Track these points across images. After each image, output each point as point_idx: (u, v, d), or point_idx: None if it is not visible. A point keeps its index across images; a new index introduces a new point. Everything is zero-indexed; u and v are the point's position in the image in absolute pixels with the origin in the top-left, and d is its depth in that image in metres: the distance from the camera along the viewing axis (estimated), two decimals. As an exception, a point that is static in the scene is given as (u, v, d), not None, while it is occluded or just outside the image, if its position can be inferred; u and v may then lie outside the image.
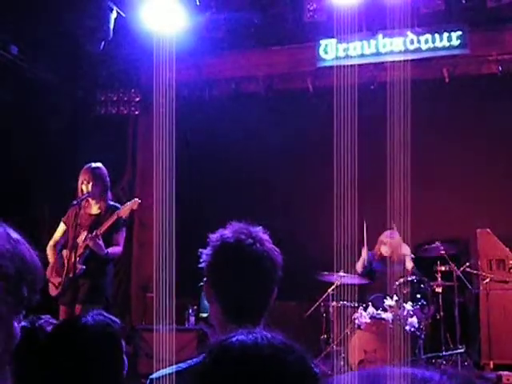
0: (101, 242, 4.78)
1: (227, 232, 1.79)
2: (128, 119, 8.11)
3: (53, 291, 4.89)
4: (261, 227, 1.81)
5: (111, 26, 6.87)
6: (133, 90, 8.02)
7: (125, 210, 4.90)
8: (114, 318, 2.04)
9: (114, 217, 4.85)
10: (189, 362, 1.69)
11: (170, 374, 1.71)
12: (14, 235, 1.16)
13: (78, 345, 1.85)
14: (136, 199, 4.96)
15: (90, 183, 4.96)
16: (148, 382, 1.73)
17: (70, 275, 4.75)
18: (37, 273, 1.19)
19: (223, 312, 1.78)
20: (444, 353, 5.89)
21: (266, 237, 1.80)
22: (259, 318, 1.75)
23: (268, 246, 1.78)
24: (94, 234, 4.81)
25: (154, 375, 1.73)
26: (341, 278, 5.98)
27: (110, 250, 4.88)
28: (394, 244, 6.30)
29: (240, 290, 1.75)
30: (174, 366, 1.72)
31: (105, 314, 2.04)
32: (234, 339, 1.14)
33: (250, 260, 1.75)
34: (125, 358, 2.02)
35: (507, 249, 6.25)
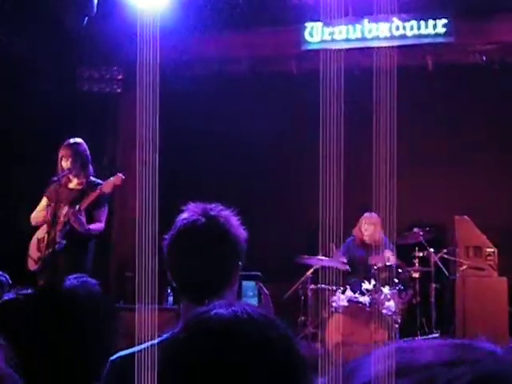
0: (82, 218, 4.74)
1: (184, 214, 1.78)
2: (110, 97, 8.01)
3: (31, 266, 4.85)
4: (221, 205, 1.80)
5: (95, 1, 6.77)
6: (115, 68, 7.92)
7: (108, 185, 4.85)
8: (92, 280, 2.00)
9: (97, 192, 4.81)
10: (152, 341, 1.66)
11: (131, 353, 1.69)
12: None
13: (67, 304, 1.81)
14: (119, 174, 4.91)
15: (70, 159, 4.92)
16: (108, 364, 1.70)
17: (50, 250, 4.71)
18: None
19: (181, 293, 1.79)
20: (419, 337, 5.98)
21: (226, 214, 1.78)
22: (219, 296, 1.71)
23: (224, 223, 1.75)
24: (75, 208, 4.76)
25: (115, 356, 1.71)
26: (320, 261, 6.01)
27: (92, 226, 4.84)
28: (372, 222, 6.35)
29: (191, 269, 1.73)
30: (137, 347, 1.70)
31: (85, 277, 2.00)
32: (211, 313, 1.10)
33: (201, 238, 1.73)
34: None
35: (484, 236, 6.33)
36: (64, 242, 4.78)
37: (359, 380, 0.49)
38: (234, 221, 1.79)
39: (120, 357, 1.72)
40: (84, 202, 4.79)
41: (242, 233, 1.79)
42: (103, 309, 1.87)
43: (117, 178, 4.89)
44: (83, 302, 1.80)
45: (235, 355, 1.05)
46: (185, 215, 1.78)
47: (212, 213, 1.77)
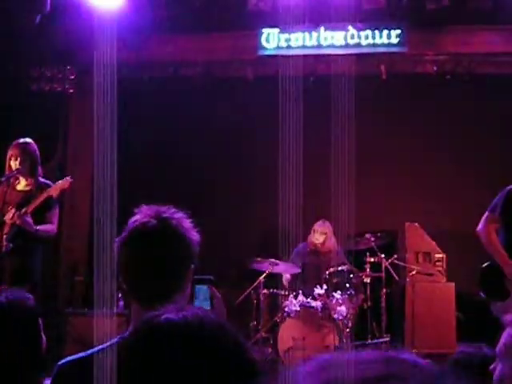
0: (29, 219, 4.62)
1: (136, 216, 1.74)
2: (61, 97, 7.85)
3: (-23, 269, 4.70)
4: (174, 208, 1.76)
5: (48, -1, 6.63)
6: (68, 68, 7.77)
7: (55, 189, 4.74)
8: (27, 294, 2.04)
9: (44, 195, 4.69)
10: (102, 345, 1.64)
11: (78, 358, 1.66)
12: None
13: None
14: (67, 178, 4.82)
15: (19, 159, 4.79)
16: (56, 369, 1.67)
17: (-4, 253, 4.58)
18: None
19: (131, 296, 1.74)
20: (370, 341, 6.05)
21: (178, 216, 1.74)
22: (171, 300, 1.64)
23: (176, 225, 1.71)
24: (22, 211, 4.64)
25: (62, 361, 1.68)
26: (273, 265, 6.03)
27: (41, 227, 4.72)
28: (324, 231, 6.42)
29: (141, 273, 1.69)
30: (85, 352, 1.68)
31: (17, 292, 2.04)
32: (161, 317, 1.08)
33: (152, 241, 1.69)
34: (42, 334, 2.00)
35: (434, 242, 6.47)
36: (10, 245, 4.66)
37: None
38: (187, 223, 1.75)
39: (68, 361, 1.69)
40: (31, 205, 4.68)
41: (194, 236, 1.75)
42: (31, 329, 1.92)
43: (65, 182, 4.79)
44: (11, 323, 1.86)
45: (185, 360, 1.03)
46: (137, 217, 1.74)
47: (164, 215, 1.73)
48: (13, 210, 4.72)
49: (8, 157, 4.83)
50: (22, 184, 4.89)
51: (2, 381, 1.74)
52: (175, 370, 1.03)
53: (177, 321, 1.07)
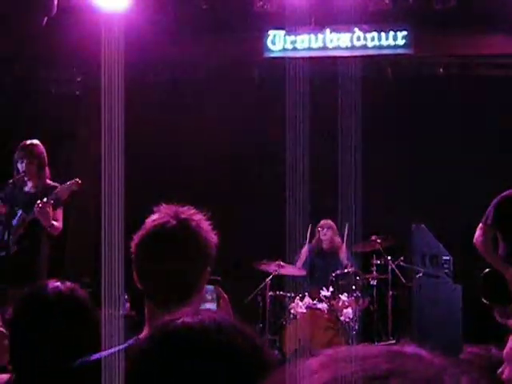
0: (50, 211, 4.58)
1: (155, 215, 1.73)
2: (68, 98, 7.88)
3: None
4: (194, 209, 1.74)
5: (55, 1, 6.65)
6: (74, 69, 7.80)
7: (64, 190, 4.72)
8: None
9: (53, 196, 4.68)
10: (118, 347, 1.62)
11: (93, 360, 1.66)
12: None
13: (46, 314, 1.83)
14: (77, 179, 4.78)
15: (26, 161, 4.79)
16: (69, 371, 1.67)
17: (3, 254, 4.58)
18: None
19: (147, 296, 1.72)
20: (376, 343, 6.04)
21: (198, 217, 1.72)
22: (187, 301, 1.66)
23: (195, 227, 1.69)
24: (43, 200, 4.58)
25: (76, 363, 1.67)
26: (279, 268, 6.03)
27: (54, 223, 4.69)
28: (330, 226, 6.42)
29: (159, 273, 1.68)
30: (100, 353, 1.67)
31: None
32: (178, 321, 1.08)
33: (171, 241, 1.67)
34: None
35: (440, 244, 6.45)
36: (16, 246, 4.66)
37: None
38: (206, 225, 1.73)
39: (80, 362, 1.69)
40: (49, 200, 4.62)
41: (212, 238, 1.73)
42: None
43: (74, 183, 4.75)
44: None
45: (203, 364, 1.03)
46: (155, 216, 1.72)
47: (183, 216, 1.71)
48: (20, 211, 4.73)
49: (15, 159, 4.83)
50: (28, 185, 4.90)
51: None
52: (193, 374, 1.03)
53: (194, 325, 1.07)
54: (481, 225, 4.54)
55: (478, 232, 4.56)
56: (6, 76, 7.52)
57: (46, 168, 4.96)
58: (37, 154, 4.87)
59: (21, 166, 4.80)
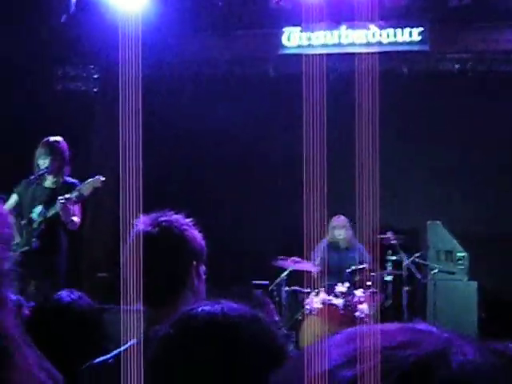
0: (71, 207, 4.65)
1: (135, 226, 1.87)
2: (86, 95, 7.95)
3: (3, 265, 4.77)
4: (180, 215, 1.87)
5: (73, -1, 6.74)
6: (92, 66, 7.87)
7: (87, 187, 4.77)
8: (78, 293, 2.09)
9: (75, 193, 4.74)
10: (120, 348, 1.72)
11: (101, 361, 1.74)
12: None
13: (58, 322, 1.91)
14: (99, 176, 4.82)
15: (48, 157, 4.85)
16: (79, 373, 1.75)
17: (24, 249, 4.65)
18: (12, 236, 1.18)
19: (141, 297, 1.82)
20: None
21: (180, 221, 1.85)
22: (178, 297, 1.79)
23: (169, 227, 1.81)
24: (65, 196, 4.64)
25: (85, 366, 1.75)
26: (295, 263, 6.06)
27: (74, 218, 4.76)
28: (343, 224, 6.43)
29: (143, 275, 1.76)
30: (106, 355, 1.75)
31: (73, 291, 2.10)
32: (198, 309, 1.13)
33: (147, 245, 1.77)
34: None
35: (455, 241, 6.46)
36: (37, 241, 4.73)
37: (314, 370, 0.53)
38: (184, 223, 1.85)
39: (90, 365, 1.76)
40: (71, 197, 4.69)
41: (193, 233, 1.85)
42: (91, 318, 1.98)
43: (96, 180, 4.80)
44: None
45: (224, 350, 1.08)
46: (136, 226, 1.86)
47: (161, 219, 1.84)
48: (40, 207, 4.79)
49: (37, 155, 4.89)
50: (48, 182, 4.96)
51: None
52: (212, 359, 1.08)
53: (214, 312, 1.12)
54: None
55: None
56: (24, 73, 7.60)
57: (67, 165, 5.03)
58: (58, 150, 4.93)
59: (43, 162, 4.85)
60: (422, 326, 0.56)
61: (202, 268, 1.90)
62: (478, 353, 0.52)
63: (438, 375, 0.49)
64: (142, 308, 1.83)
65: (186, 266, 1.83)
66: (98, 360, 1.76)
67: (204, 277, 1.93)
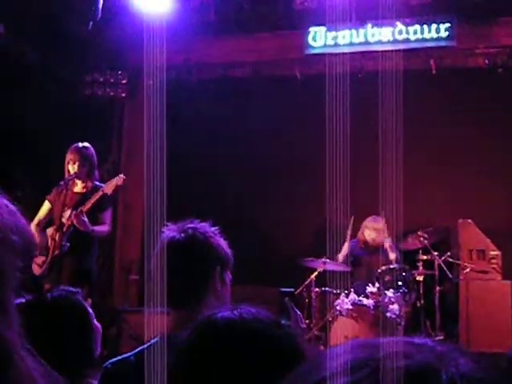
0: (85, 219, 4.76)
1: (163, 233, 1.95)
2: (114, 101, 8.06)
3: (36, 270, 4.88)
4: (206, 223, 1.95)
5: (99, 6, 6.81)
6: (120, 72, 7.97)
7: (110, 187, 4.87)
8: (72, 289, 2.16)
9: (99, 193, 4.83)
10: (143, 346, 1.77)
11: (123, 359, 1.80)
12: (12, 207, 1.17)
13: (45, 318, 1.95)
14: (121, 175, 4.94)
15: (77, 163, 4.94)
16: (102, 370, 1.79)
17: (56, 253, 4.74)
18: (33, 243, 1.21)
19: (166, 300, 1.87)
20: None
21: (205, 229, 1.92)
22: (200, 301, 1.84)
23: (200, 237, 1.89)
24: (78, 210, 4.77)
25: (107, 362, 1.81)
26: (324, 264, 6.03)
27: (96, 227, 4.86)
28: (376, 228, 6.38)
29: (167, 280, 1.83)
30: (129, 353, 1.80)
31: (65, 287, 2.17)
32: (218, 315, 1.15)
33: (173, 251, 1.85)
34: (94, 329, 2.10)
35: (488, 239, 6.35)
36: (68, 244, 4.81)
37: (314, 377, 0.55)
38: (209, 230, 1.93)
39: (112, 363, 1.80)
40: (87, 204, 4.82)
41: (217, 241, 1.92)
42: (80, 315, 2.03)
43: (118, 179, 4.92)
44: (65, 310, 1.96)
45: (242, 354, 1.09)
46: (164, 234, 1.94)
47: (187, 226, 1.92)
48: (69, 211, 4.88)
49: (66, 161, 4.99)
50: (78, 186, 5.06)
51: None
52: (232, 365, 1.09)
53: (232, 318, 1.13)
54: None
55: None
56: (53, 80, 7.73)
57: (96, 170, 5.12)
58: (87, 156, 5.03)
59: (72, 168, 4.96)
60: (417, 339, 0.58)
61: (228, 275, 1.95)
62: (473, 366, 0.52)
63: None
64: (165, 310, 1.87)
65: (210, 271, 1.90)
66: (118, 358, 1.81)
67: (229, 283, 1.97)
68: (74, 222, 4.75)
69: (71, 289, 2.14)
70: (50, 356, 1.85)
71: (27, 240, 1.15)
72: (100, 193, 4.83)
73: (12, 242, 0.99)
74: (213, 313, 1.17)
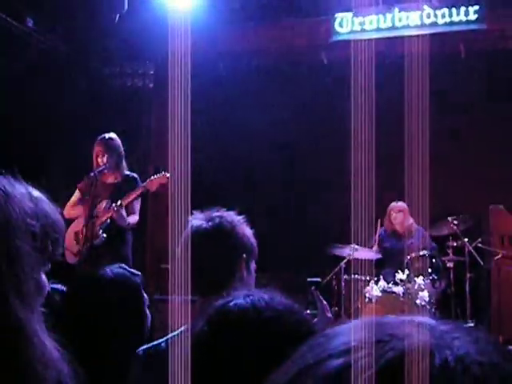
0: (124, 214, 4.81)
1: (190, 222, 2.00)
2: (142, 91, 8.12)
3: (71, 259, 4.92)
4: (232, 212, 1.99)
5: (126, -2, 6.87)
6: (147, 63, 8.02)
7: (153, 184, 4.89)
8: (133, 270, 2.11)
9: (141, 189, 4.87)
10: (173, 333, 1.80)
11: (154, 345, 1.84)
12: (36, 193, 1.21)
13: (98, 297, 1.93)
14: (165, 173, 4.90)
15: (105, 155, 4.99)
16: (134, 357, 1.83)
17: (90, 244, 4.79)
18: (59, 228, 1.24)
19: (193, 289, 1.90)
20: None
21: (232, 218, 1.97)
22: (227, 289, 1.81)
23: (226, 226, 1.93)
24: (118, 204, 4.80)
25: (139, 349, 1.84)
26: (353, 251, 6.01)
27: (130, 219, 4.92)
28: (401, 209, 6.31)
29: (194, 268, 1.84)
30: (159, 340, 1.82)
31: (124, 266, 2.11)
32: (231, 303, 1.16)
33: (200, 239, 1.90)
34: (147, 310, 2.08)
35: (520, 225, 6.25)
36: (104, 235, 4.86)
37: (335, 346, 0.54)
38: (234, 219, 1.97)
39: (144, 349, 1.83)
40: (127, 198, 4.84)
41: (243, 229, 1.97)
42: (135, 304, 2.01)
43: (163, 177, 4.89)
44: (115, 296, 1.97)
45: (256, 343, 1.10)
46: (191, 222, 2.00)
47: (213, 215, 1.97)
48: (104, 202, 4.92)
49: (95, 153, 5.04)
50: (110, 178, 5.11)
51: (97, 350, 1.86)
52: (245, 353, 1.10)
53: (245, 305, 1.14)
54: None
55: None
56: (82, 72, 7.83)
57: (124, 160, 5.17)
58: (114, 147, 5.07)
59: (100, 160, 5.00)
60: (421, 318, 0.56)
61: (253, 264, 1.97)
62: (475, 349, 0.50)
63: (417, 369, 0.49)
64: (190, 298, 1.88)
65: (236, 259, 1.94)
66: (150, 344, 1.84)
67: (254, 272, 1.99)
68: (114, 215, 4.78)
69: (133, 270, 2.12)
70: (101, 332, 1.88)
71: (49, 224, 1.19)
72: (141, 189, 4.85)
73: (29, 226, 1.03)
74: (227, 300, 1.18)
